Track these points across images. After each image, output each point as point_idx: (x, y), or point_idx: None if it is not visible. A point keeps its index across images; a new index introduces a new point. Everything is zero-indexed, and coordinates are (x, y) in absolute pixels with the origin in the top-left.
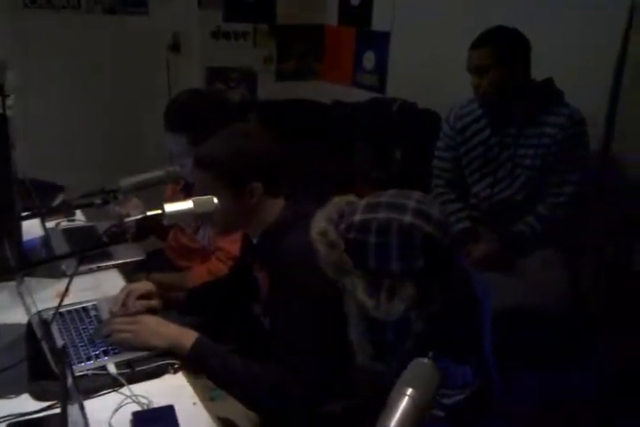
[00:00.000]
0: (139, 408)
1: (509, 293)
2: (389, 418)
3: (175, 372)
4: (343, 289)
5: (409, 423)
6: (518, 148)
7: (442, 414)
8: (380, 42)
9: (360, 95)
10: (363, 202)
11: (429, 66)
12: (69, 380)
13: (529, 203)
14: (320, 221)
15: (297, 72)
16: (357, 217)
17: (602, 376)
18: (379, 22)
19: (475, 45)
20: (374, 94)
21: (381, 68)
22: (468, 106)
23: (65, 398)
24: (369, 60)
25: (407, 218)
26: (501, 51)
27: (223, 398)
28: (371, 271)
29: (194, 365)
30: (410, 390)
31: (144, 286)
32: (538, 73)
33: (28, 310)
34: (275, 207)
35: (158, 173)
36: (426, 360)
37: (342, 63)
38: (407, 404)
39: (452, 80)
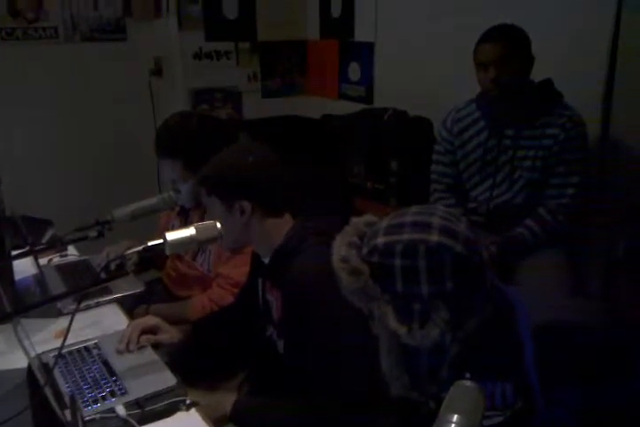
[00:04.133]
0: None
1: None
2: None
3: (187, 409)
4: (370, 316)
5: None
6: (517, 149)
7: None
8: (364, 53)
9: (348, 107)
10: (384, 222)
11: (416, 74)
12: None
13: (529, 206)
14: (340, 247)
15: (282, 88)
16: (380, 240)
17: None
18: (361, 33)
19: (484, 39)
20: (362, 106)
21: (367, 79)
22: (466, 108)
23: None
24: (354, 71)
25: (434, 238)
26: (511, 46)
27: None
28: (399, 296)
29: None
30: (455, 417)
31: (148, 320)
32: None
33: (27, 353)
34: (281, 226)
35: (152, 200)
36: (468, 383)
37: (327, 76)
38: None
39: (440, 86)
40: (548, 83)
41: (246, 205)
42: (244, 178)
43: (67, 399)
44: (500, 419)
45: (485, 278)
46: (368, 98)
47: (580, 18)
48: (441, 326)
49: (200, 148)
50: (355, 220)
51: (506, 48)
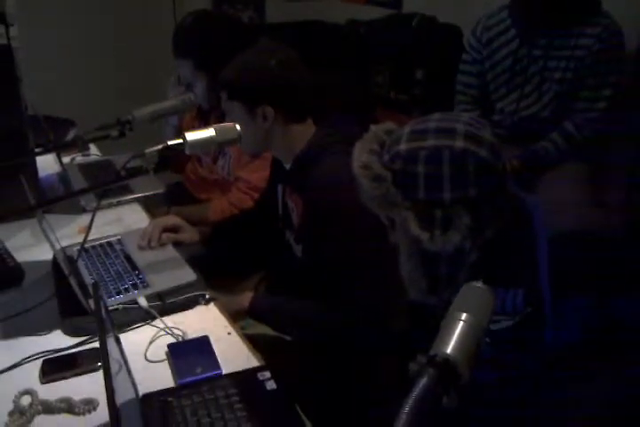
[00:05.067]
0: (173, 340)
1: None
2: (444, 343)
3: (206, 303)
4: (391, 223)
5: (465, 348)
6: (548, 60)
7: (487, 340)
8: None
9: (375, 12)
10: (406, 129)
11: None
12: (104, 314)
13: (556, 119)
14: (361, 154)
15: None
16: (403, 146)
17: None
18: None
19: None
20: (390, 11)
21: None
22: (497, 15)
23: (103, 332)
24: None
25: (458, 143)
26: None
27: (253, 326)
28: (421, 202)
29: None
30: (464, 315)
31: (169, 219)
32: None
33: (52, 246)
34: (303, 133)
35: (172, 101)
36: (479, 284)
37: None
38: (462, 329)
39: None
40: None
41: (269, 110)
42: (269, 82)
43: (90, 289)
44: (508, 323)
45: (507, 185)
46: (396, 2)
47: None
48: (463, 231)
49: (213, 48)
50: (374, 127)
51: None
